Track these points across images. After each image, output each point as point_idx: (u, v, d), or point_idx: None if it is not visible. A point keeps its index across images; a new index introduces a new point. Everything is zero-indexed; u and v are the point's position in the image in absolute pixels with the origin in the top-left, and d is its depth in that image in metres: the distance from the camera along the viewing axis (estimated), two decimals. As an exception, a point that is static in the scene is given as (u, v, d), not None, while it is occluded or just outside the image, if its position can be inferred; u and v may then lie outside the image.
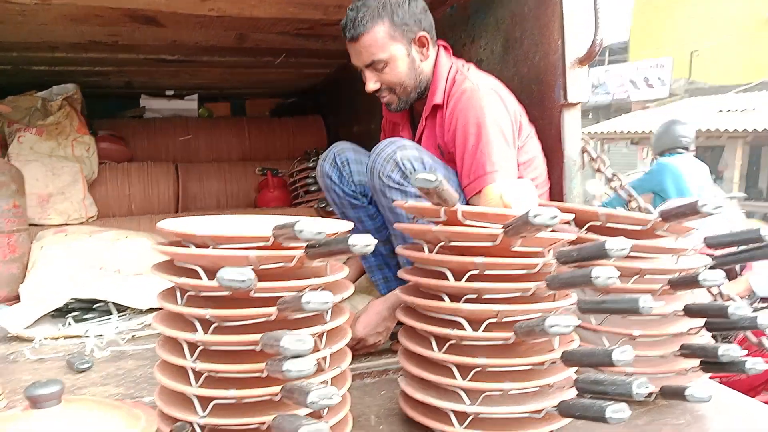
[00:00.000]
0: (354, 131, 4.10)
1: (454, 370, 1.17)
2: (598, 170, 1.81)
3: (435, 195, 1.02)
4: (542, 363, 1.17)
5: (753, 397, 1.58)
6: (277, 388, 1.02)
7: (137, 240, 2.78)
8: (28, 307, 2.20)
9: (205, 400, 1.07)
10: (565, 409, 1.07)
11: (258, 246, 1.03)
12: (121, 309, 2.30)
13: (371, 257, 1.96)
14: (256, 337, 1.00)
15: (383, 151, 1.62)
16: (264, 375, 1.03)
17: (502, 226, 1.05)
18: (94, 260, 2.57)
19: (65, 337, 2.09)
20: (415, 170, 1.60)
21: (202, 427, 1.08)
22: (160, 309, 2.34)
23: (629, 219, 1.28)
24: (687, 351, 1.34)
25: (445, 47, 1.85)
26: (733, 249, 1.31)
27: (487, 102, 1.63)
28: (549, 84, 1.87)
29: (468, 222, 1.12)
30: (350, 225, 1.16)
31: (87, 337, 2.06)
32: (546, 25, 1.90)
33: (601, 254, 0.97)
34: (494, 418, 1.18)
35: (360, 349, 1.65)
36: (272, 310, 1.01)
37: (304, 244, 1.02)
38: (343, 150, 1.94)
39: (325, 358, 1.16)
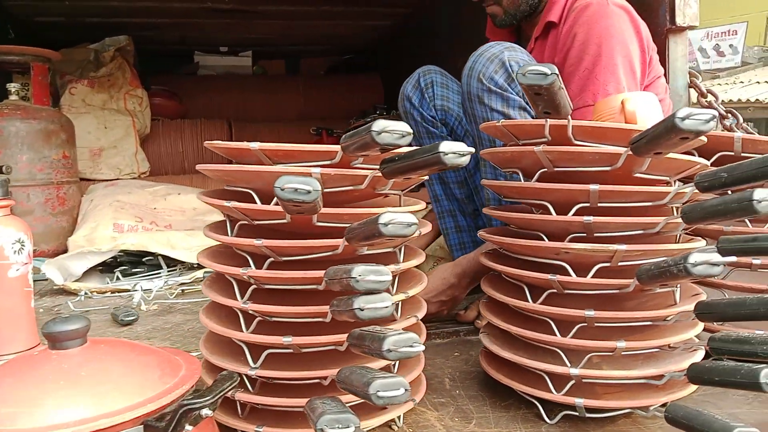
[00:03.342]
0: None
1: (553, 325, 0.97)
2: (710, 106, 1.55)
3: (547, 97, 0.81)
4: (665, 318, 0.95)
5: None
6: (343, 336, 0.84)
7: (190, 196, 2.66)
8: (75, 259, 2.10)
9: (257, 349, 0.90)
10: (698, 374, 0.85)
11: (323, 164, 0.84)
12: (171, 264, 2.18)
13: (444, 201, 1.71)
14: (320, 273, 0.82)
15: (487, 50, 1.34)
16: (328, 320, 0.85)
17: (630, 141, 0.82)
18: (145, 214, 2.47)
19: (113, 291, 1.99)
20: None
21: (253, 381, 0.91)
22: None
23: (776, 145, 1.04)
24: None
25: None
26: None
27: (615, 21, 1.34)
28: (653, 6, 1.61)
29: (579, 141, 0.91)
30: None
31: (135, 290, 1.95)
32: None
33: (766, 173, 0.74)
34: (596, 384, 0.97)
35: None
36: (339, 241, 0.83)
37: (376, 166, 0.84)
38: (430, 71, 1.65)
39: (396, 306, 0.98)
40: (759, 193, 0.74)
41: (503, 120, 0.99)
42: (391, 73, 4.37)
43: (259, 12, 3.54)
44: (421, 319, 1.41)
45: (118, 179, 2.93)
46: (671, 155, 0.88)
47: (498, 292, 1.05)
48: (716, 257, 0.77)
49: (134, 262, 2.15)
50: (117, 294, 1.97)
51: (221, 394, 0.71)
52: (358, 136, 0.75)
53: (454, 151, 0.72)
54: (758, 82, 13.38)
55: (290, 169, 0.83)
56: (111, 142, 3.02)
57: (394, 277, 0.97)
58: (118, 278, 2.07)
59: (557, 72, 0.78)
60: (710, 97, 1.56)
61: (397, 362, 0.98)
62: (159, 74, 3.90)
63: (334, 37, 4.27)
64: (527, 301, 0.99)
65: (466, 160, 0.73)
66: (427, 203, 2.80)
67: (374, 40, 4.37)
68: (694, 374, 0.86)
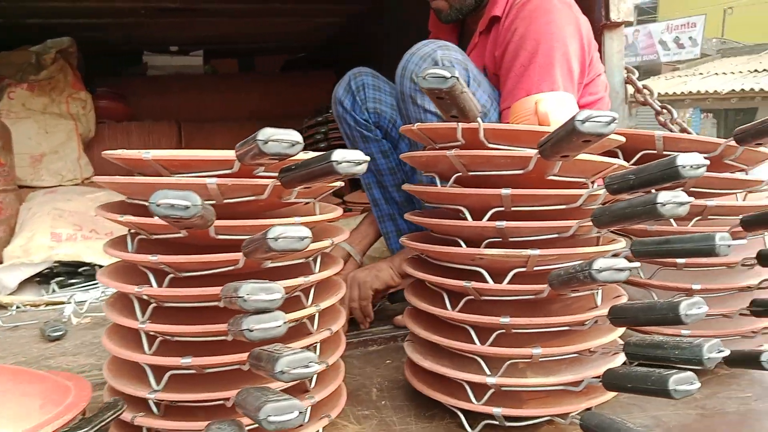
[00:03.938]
0: (369, 87, 3.84)
1: (472, 332, 0.94)
2: (645, 103, 1.54)
3: (450, 101, 0.78)
4: (583, 322, 0.93)
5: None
6: (245, 355, 0.81)
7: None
8: (8, 271, 2.01)
9: (162, 371, 0.86)
10: (612, 380, 0.84)
11: (222, 174, 0.80)
12: (110, 272, 2.10)
13: (383, 204, 1.68)
14: (218, 290, 0.78)
15: (420, 49, 1.29)
16: (230, 338, 0.81)
17: (538, 144, 0.80)
18: (85, 222, 2.38)
19: (47, 304, 1.91)
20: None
21: (157, 404, 0.87)
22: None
23: (694, 143, 1.02)
24: (760, 308, 1.09)
25: None
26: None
27: (557, 17, 1.30)
28: (589, 1, 1.60)
29: (492, 144, 0.88)
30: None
31: (69, 303, 1.87)
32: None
33: (671, 175, 0.72)
34: (516, 391, 0.95)
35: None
36: (239, 255, 0.79)
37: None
38: (361, 73, 1.62)
39: (312, 318, 0.94)
40: (663, 196, 0.72)
41: (418, 123, 0.96)
42: (346, 71, 4.33)
43: (207, 10, 3.46)
44: (359, 323, 1.39)
45: (59, 186, 2.83)
46: (584, 157, 0.86)
47: (420, 300, 1.03)
48: (621, 263, 0.75)
49: (71, 272, 2.07)
50: (51, 307, 1.90)
51: (102, 423, 0.67)
52: (247, 144, 0.71)
53: (348, 159, 0.69)
54: (716, 74, 13.66)
55: (185, 180, 0.79)
56: (52, 148, 2.92)
57: (309, 287, 0.94)
58: (53, 290, 1.99)
59: (458, 75, 0.75)
60: (646, 94, 1.56)
61: (315, 376, 0.95)
62: (106, 76, 3.79)
63: (288, 34, 4.20)
64: (445, 308, 0.96)
65: (362, 168, 0.71)
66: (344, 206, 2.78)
67: (329, 38, 4.31)
68: (609, 380, 0.84)
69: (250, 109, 4.02)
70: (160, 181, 0.79)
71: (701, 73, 13.95)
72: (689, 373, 0.76)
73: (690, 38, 15.63)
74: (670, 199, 0.72)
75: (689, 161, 0.72)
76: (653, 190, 0.79)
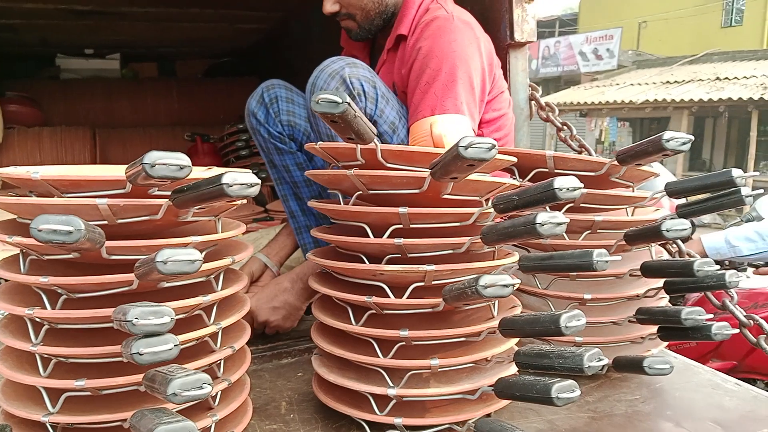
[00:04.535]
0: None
1: (375, 345, 0.97)
2: (548, 119, 1.62)
3: (345, 125, 0.80)
4: (478, 333, 0.97)
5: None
6: (140, 377, 0.80)
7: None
8: None
9: (55, 393, 0.84)
10: (503, 388, 0.88)
11: (114, 194, 0.79)
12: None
13: (300, 216, 1.68)
14: (111, 311, 0.77)
15: (329, 66, 1.31)
16: (125, 360, 0.81)
17: (429, 166, 0.84)
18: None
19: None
20: (365, 92, 1.31)
21: (54, 427, 0.85)
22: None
23: (582, 162, 1.09)
24: (644, 316, 1.17)
25: None
26: (698, 198, 1.14)
27: (459, 37, 1.35)
28: (495, 21, 1.67)
29: (391, 164, 0.91)
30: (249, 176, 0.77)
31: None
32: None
33: (549, 197, 0.77)
34: (420, 401, 0.99)
35: (255, 329, 1.41)
36: (132, 276, 0.78)
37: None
38: (274, 86, 1.61)
39: (215, 335, 0.94)
40: (541, 217, 0.77)
41: (321, 142, 0.98)
42: (271, 76, 4.30)
43: (123, 14, 3.36)
44: (256, 332, 1.39)
45: (-38, 195, 2.69)
46: (475, 177, 0.90)
47: (326, 314, 1.05)
48: (506, 279, 0.79)
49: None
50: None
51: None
52: (135, 167, 0.71)
53: (240, 182, 0.70)
54: (632, 84, 14.37)
55: (75, 200, 0.78)
56: (-46, 155, 2.78)
57: (212, 305, 0.94)
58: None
59: (349, 101, 0.77)
60: (548, 111, 1.63)
61: (219, 392, 0.95)
62: (17, 79, 3.63)
63: (211, 39, 4.13)
64: (349, 322, 0.98)
65: (254, 191, 0.72)
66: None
67: (253, 44, 4.28)
68: (500, 389, 0.88)
69: (170, 115, 3.95)
70: (48, 201, 0.77)
71: (618, 84, 14.63)
72: (571, 381, 0.81)
73: (608, 50, 16.38)
74: (547, 219, 0.76)
75: (565, 184, 0.77)
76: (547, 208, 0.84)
